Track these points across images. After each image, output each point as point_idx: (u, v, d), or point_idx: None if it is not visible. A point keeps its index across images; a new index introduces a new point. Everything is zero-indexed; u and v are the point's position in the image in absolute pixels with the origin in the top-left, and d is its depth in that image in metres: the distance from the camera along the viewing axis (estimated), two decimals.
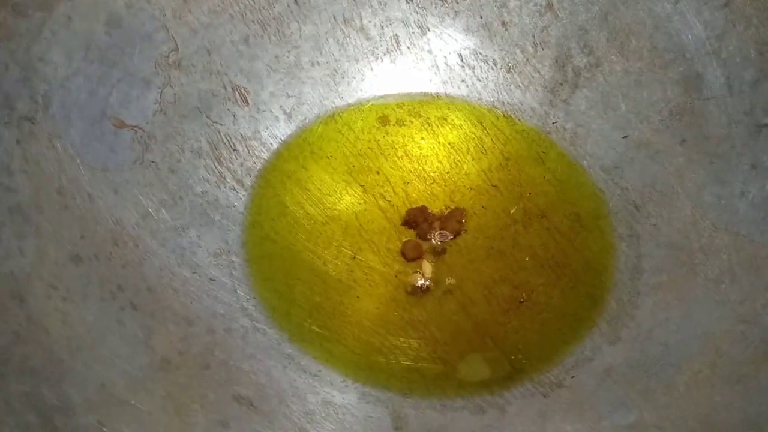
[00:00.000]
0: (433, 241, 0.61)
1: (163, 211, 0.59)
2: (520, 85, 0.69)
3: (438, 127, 0.68)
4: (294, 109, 0.67)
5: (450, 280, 0.60)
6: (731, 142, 0.61)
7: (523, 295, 0.59)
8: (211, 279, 0.57)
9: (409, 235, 0.62)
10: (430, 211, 0.63)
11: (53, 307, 0.49)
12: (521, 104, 0.68)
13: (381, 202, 0.64)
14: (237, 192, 0.62)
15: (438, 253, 0.61)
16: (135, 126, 0.60)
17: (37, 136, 0.54)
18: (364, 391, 0.55)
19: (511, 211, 0.64)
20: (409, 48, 0.70)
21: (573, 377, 0.55)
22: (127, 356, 0.50)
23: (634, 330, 0.57)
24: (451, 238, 0.61)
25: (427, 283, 0.59)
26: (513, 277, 0.60)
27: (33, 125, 0.54)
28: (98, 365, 0.49)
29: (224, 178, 0.62)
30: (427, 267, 0.60)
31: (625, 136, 0.65)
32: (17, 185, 0.52)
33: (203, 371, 0.52)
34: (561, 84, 0.68)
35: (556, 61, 0.68)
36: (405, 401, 0.54)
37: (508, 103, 0.68)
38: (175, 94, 0.62)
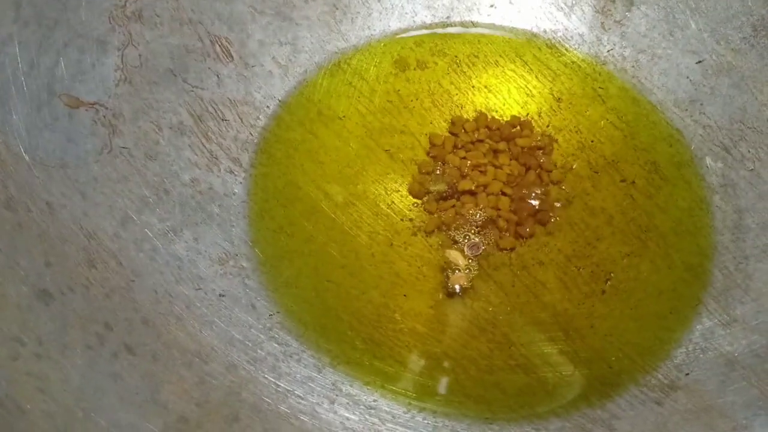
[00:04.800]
0: (466, 253, 0.48)
1: (147, 212, 0.46)
2: (563, 6, 0.57)
3: (469, 67, 0.55)
4: (290, 60, 0.54)
5: (512, 263, 0.48)
6: None
7: (608, 274, 0.48)
8: (220, 295, 0.45)
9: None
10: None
11: (24, 371, 0.36)
12: (566, 30, 0.57)
13: (413, 168, 0.51)
14: (235, 175, 0.50)
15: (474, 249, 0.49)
16: (95, 103, 0.47)
17: None
18: (435, 424, 0.43)
19: (573, 166, 0.52)
20: None
21: (687, 374, 0.45)
22: (131, 425, 0.37)
23: (751, 306, 0.47)
24: (483, 249, 0.49)
25: (465, 284, 0.47)
26: (590, 252, 0.49)
27: None
28: None
29: (217, 158, 0.50)
30: (457, 256, 0.48)
31: (700, 61, 0.54)
32: None
33: (232, 426, 0.40)
34: (613, 1, 0.55)
35: None
36: (488, 429, 0.43)
37: (550, 30, 0.57)
38: (140, 56, 0.50)
